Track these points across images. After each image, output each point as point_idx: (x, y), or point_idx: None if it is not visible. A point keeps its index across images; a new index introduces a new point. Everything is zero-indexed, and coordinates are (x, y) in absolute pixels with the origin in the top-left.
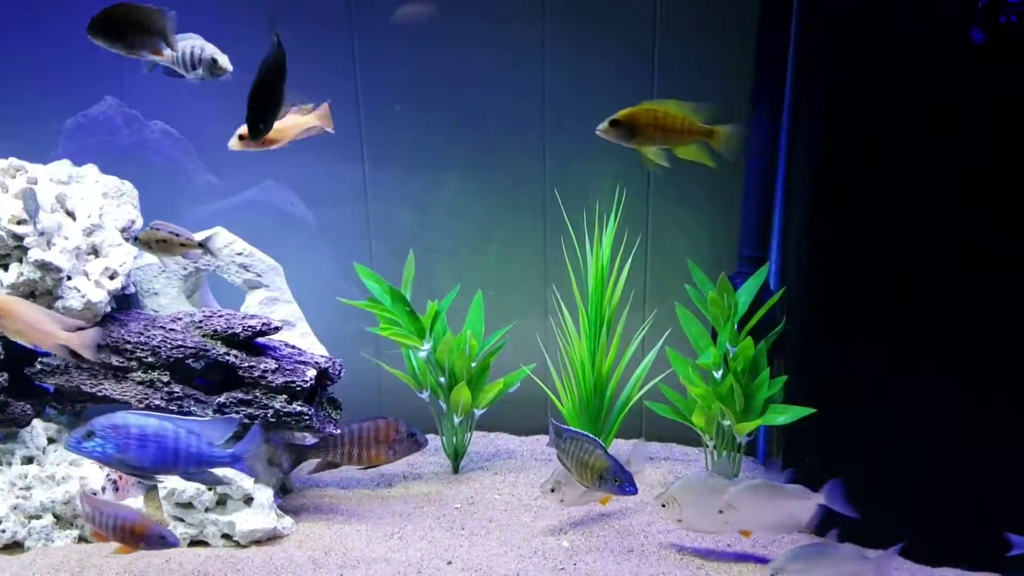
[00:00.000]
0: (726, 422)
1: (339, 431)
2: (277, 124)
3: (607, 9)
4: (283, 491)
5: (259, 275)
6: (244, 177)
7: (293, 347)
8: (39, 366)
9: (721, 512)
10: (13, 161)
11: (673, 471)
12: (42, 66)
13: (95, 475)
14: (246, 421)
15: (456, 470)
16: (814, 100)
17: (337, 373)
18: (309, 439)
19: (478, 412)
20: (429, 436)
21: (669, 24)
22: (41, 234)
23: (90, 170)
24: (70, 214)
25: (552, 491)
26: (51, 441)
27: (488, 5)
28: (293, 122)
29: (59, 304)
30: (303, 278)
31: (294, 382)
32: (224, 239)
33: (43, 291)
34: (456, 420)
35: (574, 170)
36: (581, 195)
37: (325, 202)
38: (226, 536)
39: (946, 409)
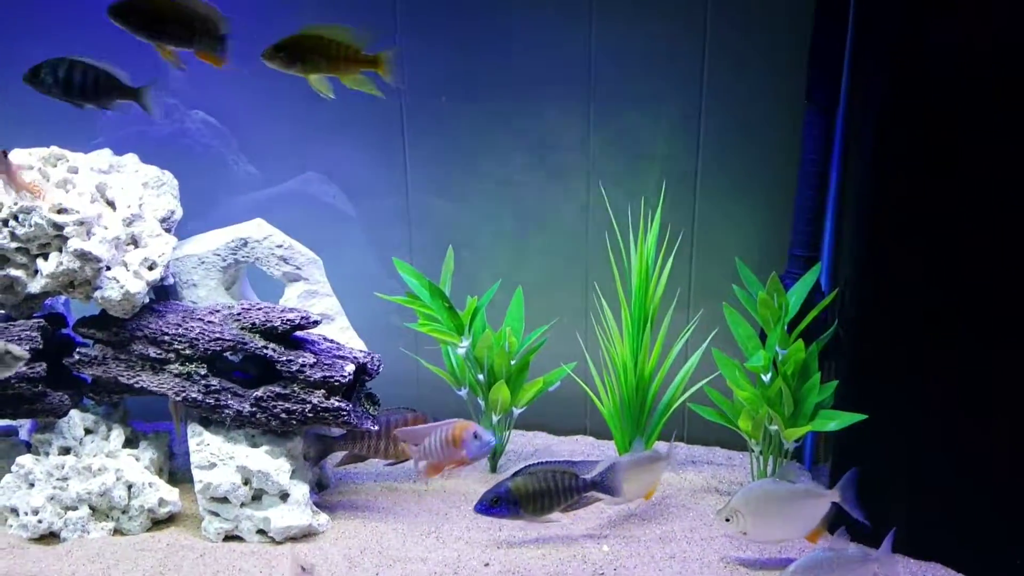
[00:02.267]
0: (773, 427)
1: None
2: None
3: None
4: (319, 487)
5: (298, 268)
6: (284, 168)
7: (332, 341)
8: (77, 356)
9: (728, 520)
10: (54, 150)
11: (716, 475)
12: (83, 53)
13: (131, 467)
14: None
15: (494, 469)
16: (873, 97)
17: (375, 369)
18: (335, 431)
19: (517, 411)
20: None
21: (721, 9)
22: (81, 223)
23: (130, 159)
24: (110, 204)
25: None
26: (88, 432)
27: (531, 11)
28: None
29: (98, 295)
30: (341, 271)
31: (332, 377)
32: (264, 231)
33: (82, 281)
34: (494, 418)
35: (619, 163)
36: (626, 188)
37: (365, 194)
38: (261, 532)
39: (1010, 419)
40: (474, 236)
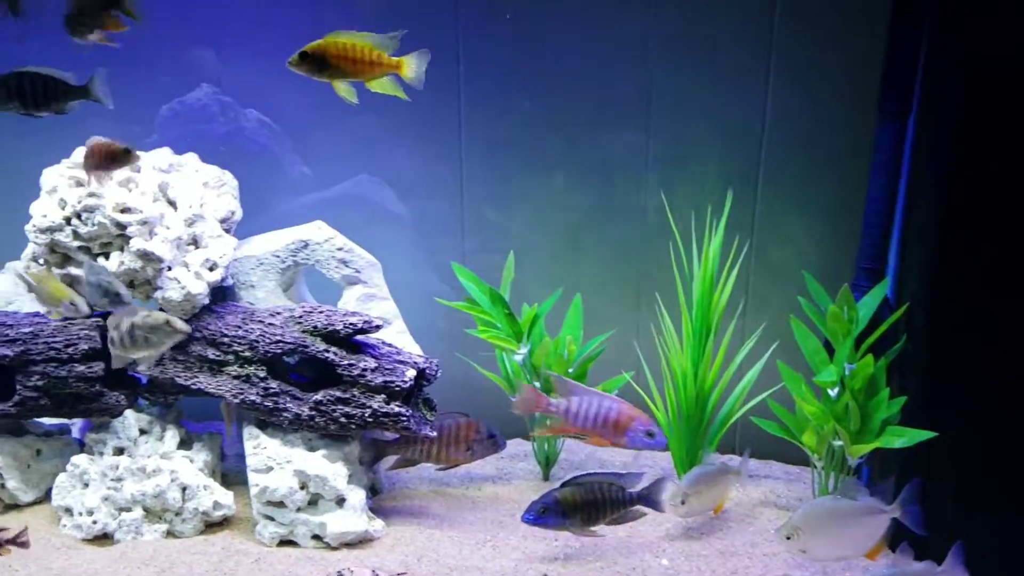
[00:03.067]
0: (837, 443)
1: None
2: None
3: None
4: (372, 491)
5: (358, 271)
6: (339, 170)
7: (391, 346)
8: None
9: (789, 538)
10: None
11: (774, 490)
12: (138, 51)
13: (186, 469)
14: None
15: (547, 477)
16: (950, 107)
17: (434, 374)
18: (389, 434)
19: None
20: (519, 441)
21: (788, 18)
22: (144, 223)
23: (190, 158)
24: (171, 203)
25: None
26: (142, 432)
27: (592, 10)
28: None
29: (158, 295)
30: (393, 274)
31: (393, 382)
32: (325, 233)
33: (142, 281)
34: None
35: (679, 171)
36: (684, 198)
37: (419, 198)
38: (316, 537)
39: None
40: (527, 243)
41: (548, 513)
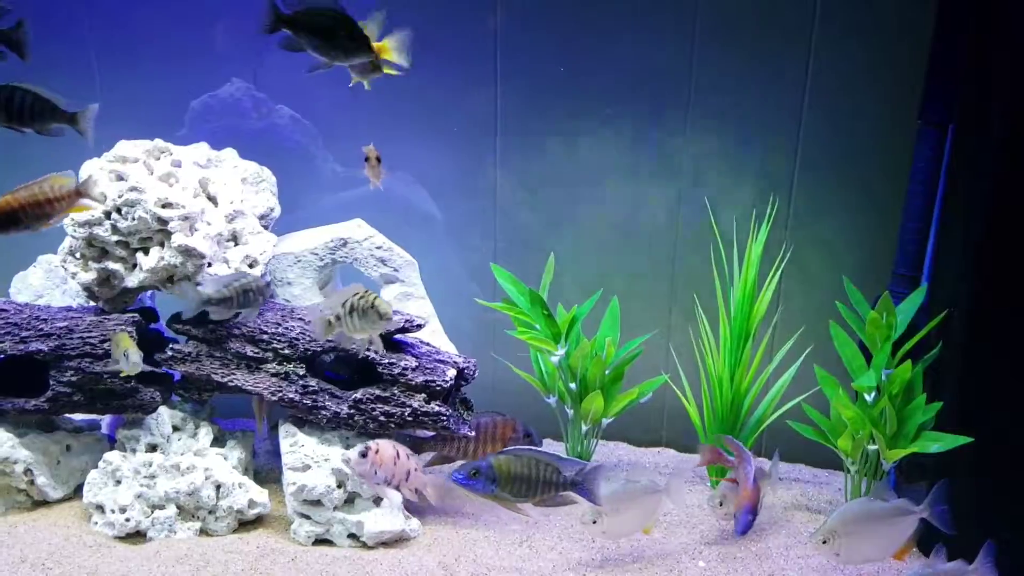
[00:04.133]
0: (871, 447)
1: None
2: None
3: (762, 3)
4: None
5: (396, 270)
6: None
7: (430, 345)
8: (170, 352)
9: (824, 542)
10: (158, 143)
11: (805, 493)
12: (171, 44)
13: (220, 467)
14: None
15: None
16: (996, 116)
17: (472, 373)
18: (423, 432)
19: (606, 421)
20: (548, 442)
21: (827, 25)
22: (185, 219)
23: (229, 154)
24: (211, 199)
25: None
26: (175, 429)
27: (636, 10)
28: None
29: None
30: (424, 273)
31: (434, 381)
32: (364, 231)
33: (182, 276)
34: (584, 428)
35: (713, 176)
36: (719, 202)
37: (451, 198)
38: (352, 536)
39: None
40: (560, 245)
41: (478, 477)
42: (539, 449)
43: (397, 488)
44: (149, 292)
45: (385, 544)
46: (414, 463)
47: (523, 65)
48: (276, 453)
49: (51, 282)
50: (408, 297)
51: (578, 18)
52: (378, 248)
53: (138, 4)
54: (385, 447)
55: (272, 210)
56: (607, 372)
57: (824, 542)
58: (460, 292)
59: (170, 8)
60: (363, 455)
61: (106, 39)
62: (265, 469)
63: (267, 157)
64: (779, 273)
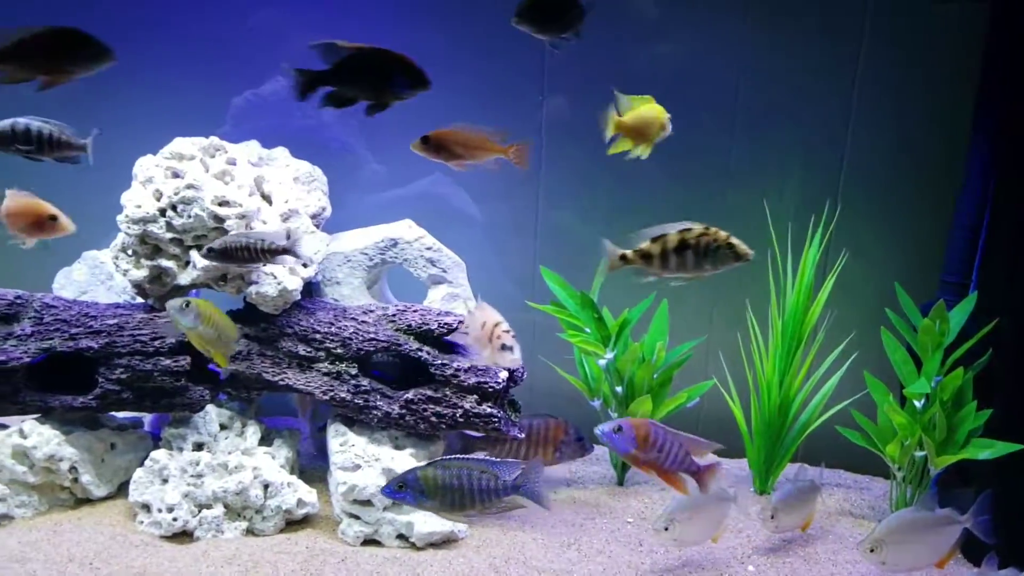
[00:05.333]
0: (919, 453)
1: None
2: (468, 138)
3: (812, 9)
4: None
5: (444, 270)
6: (415, 169)
7: None
8: None
9: (872, 550)
10: (214, 140)
11: (848, 498)
12: (214, 40)
13: (268, 466)
14: None
15: (621, 482)
16: None
17: (521, 376)
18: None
19: None
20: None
21: (876, 29)
22: (242, 217)
23: (281, 153)
24: (266, 197)
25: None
26: (222, 428)
27: (685, 10)
28: (480, 142)
29: (252, 290)
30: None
31: (487, 383)
32: (415, 232)
33: (235, 275)
34: None
35: (760, 179)
36: (765, 207)
37: (493, 200)
38: (400, 537)
39: None
40: (599, 248)
41: (405, 489)
42: (472, 457)
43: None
44: (194, 291)
45: (434, 545)
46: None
47: (570, 64)
48: (319, 452)
49: (95, 278)
50: (455, 298)
51: (624, 19)
52: (428, 249)
53: (178, 4)
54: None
55: (324, 209)
56: (655, 376)
57: (872, 550)
58: (499, 293)
59: (213, 4)
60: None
61: (152, 41)
62: (309, 469)
63: (309, 155)
64: (834, 279)
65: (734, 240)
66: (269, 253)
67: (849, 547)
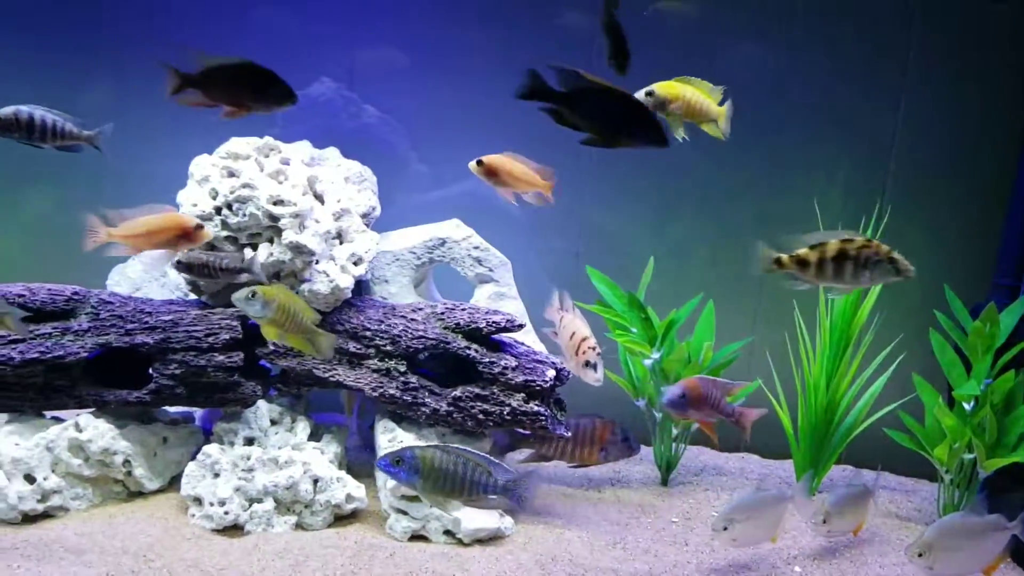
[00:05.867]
0: (968, 456)
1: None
2: (509, 167)
3: (861, 10)
4: None
5: (491, 270)
6: (459, 170)
7: (525, 345)
8: (272, 347)
9: (920, 555)
10: (268, 140)
11: (893, 500)
12: (263, 41)
13: (318, 461)
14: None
15: (665, 482)
16: None
17: (567, 375)
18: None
19: (696, 426)
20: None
21: (925, 30)
22: (296, 216)
23: (332, 153)
24: (318, 197)
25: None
26: (272, 423)
27: (733, 14)
28: (527, 176)
29: (305, 287)
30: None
31: (534, 381)
32: (463, 231)
33: (288, 273)
34: (674, 431)
35: (807, 181)
36: (811, 208)
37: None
38: (447, 533)
39: None
40: (640, 248)
41: (401, 465)
42: (470, 449)
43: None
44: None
45: (480, 541)
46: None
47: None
48: (364, 448)
49: (149, 275)
50: (501, 297)
51: (674, 24)
52: (475, 248)
53: (236, 5)
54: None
55: (374, 209)
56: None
57: (920, 555)
58: (541, 293)
59: (263, 6)
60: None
61: (206, 41)
62: (356, 464)
63: (356, 155)
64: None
65: (896, 255)
66: (226, 271)
67: (896, 549)
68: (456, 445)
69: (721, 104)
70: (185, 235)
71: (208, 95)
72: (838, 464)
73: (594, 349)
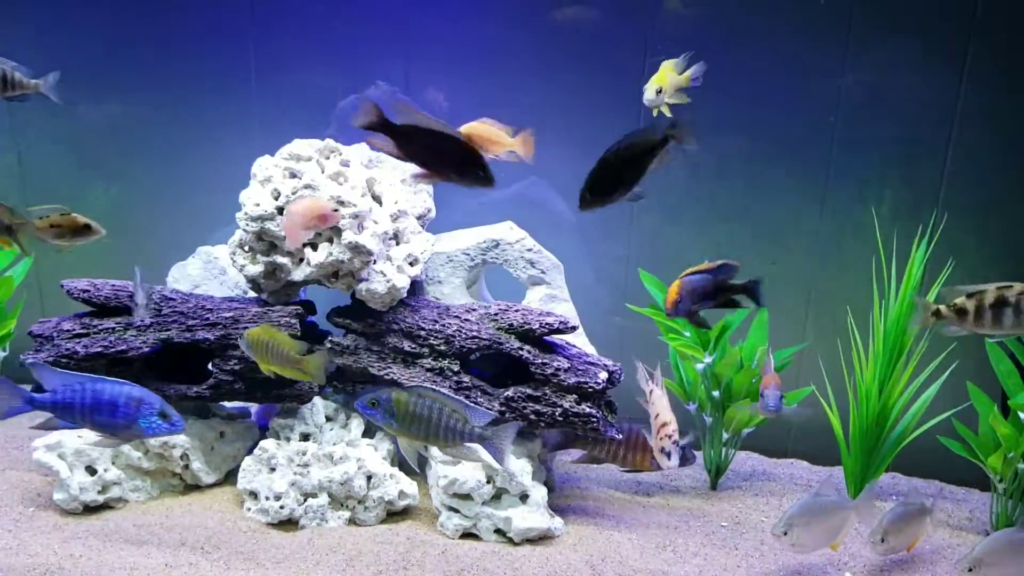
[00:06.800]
0: (1022, 466)
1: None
2: (480, 133)
3: (915, 13)
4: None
5: (543, 272)
6: (510, 172)
7: (577, 347)
8: (329, 344)
9: (971, 570)
10: (329, 142)
11: (944, 509)
12: (321, 45)
13: (371, 458)
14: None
15: (714, 487)
16: None
17: (619, 377)
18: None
19: (747, 431)
20: None
21: (986, 35)
22: (355, 216)
23: None
24: (376, 198)
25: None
26: (327, 419)
27: (793, 12)
28: (498, 137)
29: (362, 287)
30: None
31: (587, 383)
32: (516, 233)
33: (346, 272)
34: (725, 436)
35: (859, 188)
36: (866, 215)
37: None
38: (498, 532)
39: None
40: (692, 252)
41: (377, 407)
42: (448, 394)
43: None
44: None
45: (530, 541)
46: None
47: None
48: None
49: (209, 273)
50: (553, 299)
51: (727, 28)
52: (528, 250)
53: (293, 9)
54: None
55: (429, 211)
56: (754, 381)
57: (970, 570)
58: (591, 296)
59: (322, 11)
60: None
61: (264, 43)
62: (407, 462)
63: None
64: (939, 287)
65: None
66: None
67: (948, 559)
68: (433, 389)
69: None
70: (323, 218)
71: (402, 150)
72: (887, 472)
73: (670, 437)
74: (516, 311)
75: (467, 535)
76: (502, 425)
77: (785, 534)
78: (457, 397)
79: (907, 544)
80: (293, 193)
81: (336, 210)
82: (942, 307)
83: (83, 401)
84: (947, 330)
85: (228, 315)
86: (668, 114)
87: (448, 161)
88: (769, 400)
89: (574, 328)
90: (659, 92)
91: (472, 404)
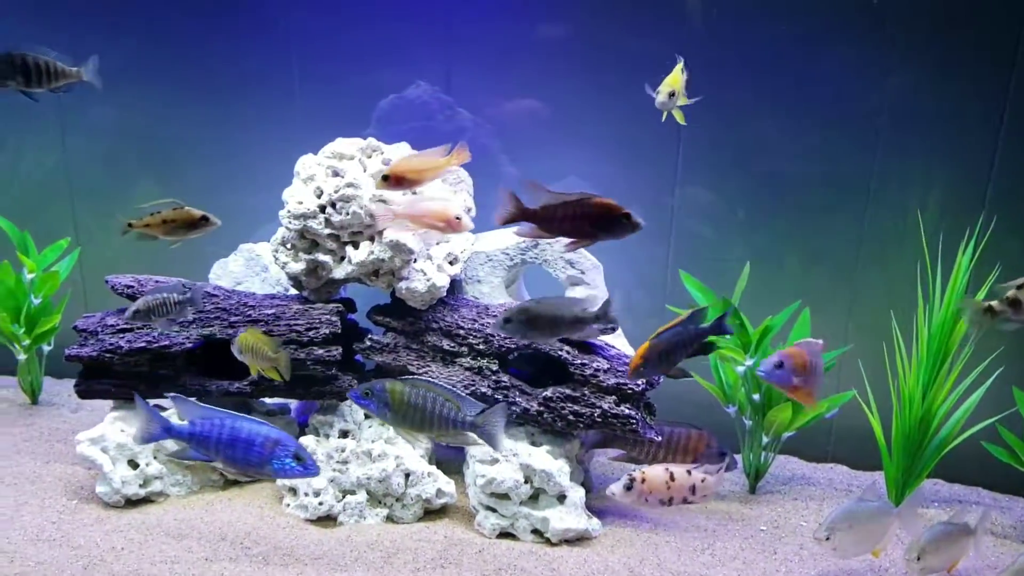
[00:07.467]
0: None
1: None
2: (417, 165)
3: (963, 18)
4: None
5: (583, 272)
6: (549, 172)
7: (616, 348)
8: (368, 342)
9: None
10: (371, 141)
11: (988, 517)
12: (362, 45)
13: (410, 455)
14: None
15: (753, 490)
16: None
17: (658, 380)
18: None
19: (787, 434)
20: None
21: None
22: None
23: None
24: None
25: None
26: (367, 417)
27: (829, 24)
28: (433, 164)
29: (403, 285)
30: None
31: (626, 384)
32: None
33: (387, 271)
34: (764, 439)
35: (902, 195)
36: (909, 219)
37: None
38: (535, 532)
39: None
40: (731, 254)
41: (371, 397)
42: (440, 383)
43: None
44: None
45: (568, 542)
46: (696, 477)
47: (714, 77)
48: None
49: (251, 270)
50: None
51: (767, 33)
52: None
53: (334, 7)
54: (652, 474)
55: (470, 210)
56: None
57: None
58: (630, 298)
59: (362, 11)
60: (628, 488)
61: (305, 42)
62: (444, 460)
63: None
64: (987, 289)
65: None
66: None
67: (991, 566)
68: (426, 379)
69: None
70: (449, 224)
71: (546, 230)
72: (928, 477)
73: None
74: None
75: (504, 535)
76: (491, 409)
77: (827, 538)
78: (449, 386)
79: (946, 566)
80: (335, 191)
81: (459, 218)
82: (994, 303)
83: (220, 436)
84: (1004, 326)
85: (270, 312)
86: (680, 120)
87: (591, 226)
88: (763, 364)
89: (614, 329)
90: (671, 96)
91: (463, 394)
